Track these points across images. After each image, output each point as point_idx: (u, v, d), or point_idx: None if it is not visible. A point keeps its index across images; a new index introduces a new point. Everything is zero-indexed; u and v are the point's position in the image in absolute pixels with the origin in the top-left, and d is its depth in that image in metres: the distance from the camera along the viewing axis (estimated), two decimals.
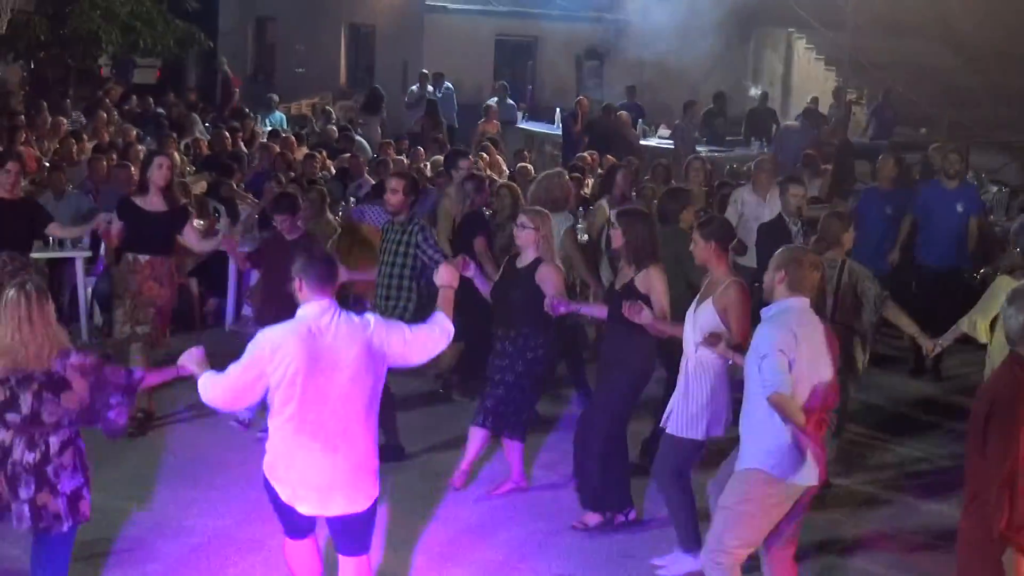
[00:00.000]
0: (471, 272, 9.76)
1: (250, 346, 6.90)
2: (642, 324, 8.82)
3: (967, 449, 6.52)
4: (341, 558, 7.26)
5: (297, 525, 7.22)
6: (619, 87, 29.70)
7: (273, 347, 6.81)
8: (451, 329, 7.37)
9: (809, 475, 7.46)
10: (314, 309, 6.92)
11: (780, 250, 7.78)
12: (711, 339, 8.36)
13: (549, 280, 9.79)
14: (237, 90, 30.47)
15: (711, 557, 7.69)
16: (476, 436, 10.20)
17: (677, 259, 10.14)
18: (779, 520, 7.61)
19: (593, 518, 9.60)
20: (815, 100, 26.95)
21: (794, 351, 7.26)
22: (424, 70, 27.94)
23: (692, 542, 8.77)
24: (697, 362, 8.63)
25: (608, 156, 19.52)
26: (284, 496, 6.99)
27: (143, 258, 11.29)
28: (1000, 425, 6.24)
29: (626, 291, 9.17)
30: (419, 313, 10.34)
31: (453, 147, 18.69)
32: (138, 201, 11.32)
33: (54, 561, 7.19)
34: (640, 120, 25.45)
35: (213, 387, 6.93)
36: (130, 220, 11.23)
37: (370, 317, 7.07)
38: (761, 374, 7.29)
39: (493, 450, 10.56)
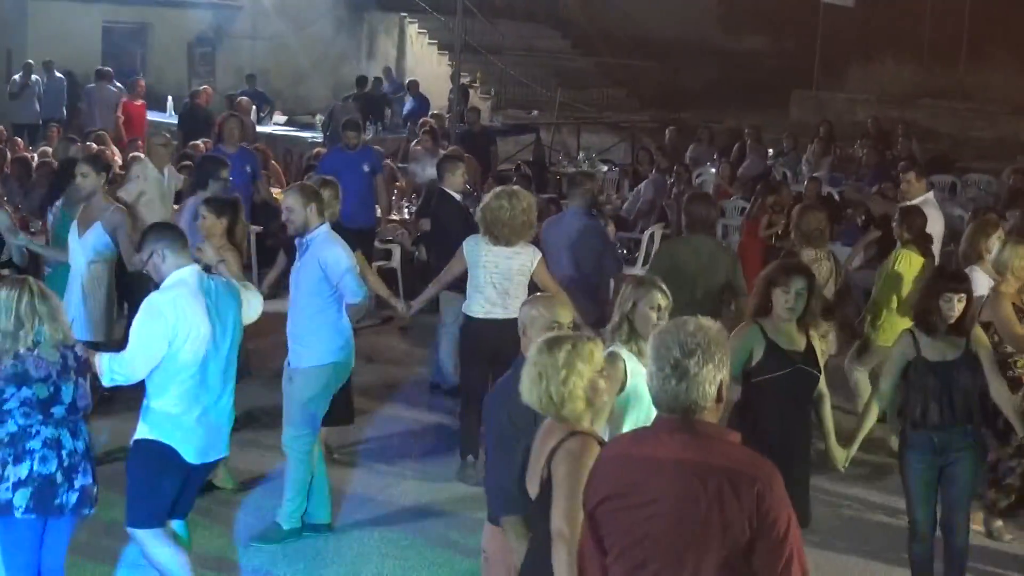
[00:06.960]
0: None
1: None
2: None
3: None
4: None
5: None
6: (232, 73, 29.38)
7: None
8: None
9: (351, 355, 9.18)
10: None
11: None
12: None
13: None
14: None
15: (291, 436, 8.90)
16: None
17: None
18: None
19: None
20: (414, 84, 27.83)
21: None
22: (30, 59, 26.97)
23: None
24: (90, 276, 10.70)
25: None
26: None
27: None
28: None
29: None
30: None
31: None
32: None
33: (62, 544, 7.22)
34: (255, 108, 25.14)
35: None
36: None
37: None
38: (348, 285, 8.86)
39: None
